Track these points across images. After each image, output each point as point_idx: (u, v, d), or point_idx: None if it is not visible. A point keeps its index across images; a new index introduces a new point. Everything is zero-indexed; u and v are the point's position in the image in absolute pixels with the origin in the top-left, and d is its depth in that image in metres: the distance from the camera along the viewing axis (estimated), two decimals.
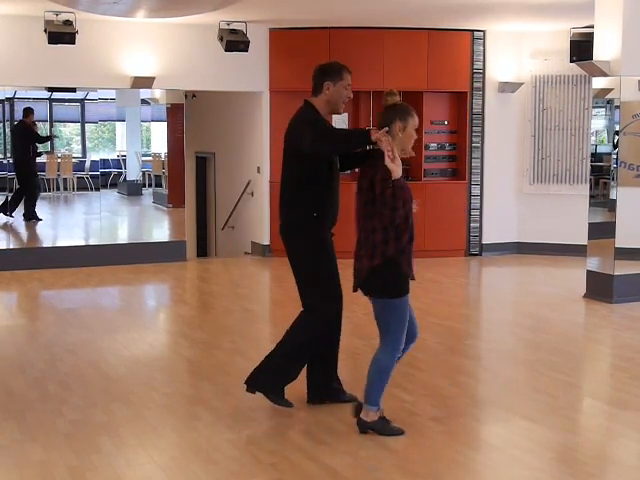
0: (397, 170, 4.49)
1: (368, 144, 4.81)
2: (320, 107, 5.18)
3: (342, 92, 5.15)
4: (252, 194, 12.24)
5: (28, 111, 12.23)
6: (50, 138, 13.38)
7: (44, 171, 12.99)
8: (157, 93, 12.07)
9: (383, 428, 4.88)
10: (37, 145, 12.63)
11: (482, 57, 11.78)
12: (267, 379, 5.24)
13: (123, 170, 13.00)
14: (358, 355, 6.67)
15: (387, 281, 4.75)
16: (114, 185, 12.90)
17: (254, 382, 5.26)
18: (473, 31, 11.66)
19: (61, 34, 9.69)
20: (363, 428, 4.89)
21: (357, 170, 5.02)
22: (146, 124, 13.09)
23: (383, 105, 4.83)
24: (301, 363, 5.31)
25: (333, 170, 5.16)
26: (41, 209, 12.64)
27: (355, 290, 4.87)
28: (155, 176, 12.94)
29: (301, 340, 5.23)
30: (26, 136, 12.31)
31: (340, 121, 11.96)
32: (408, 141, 4.77)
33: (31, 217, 12.36)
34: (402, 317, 4.78)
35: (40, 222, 12.56)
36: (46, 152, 13.15)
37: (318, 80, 5.18)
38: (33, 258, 10.83)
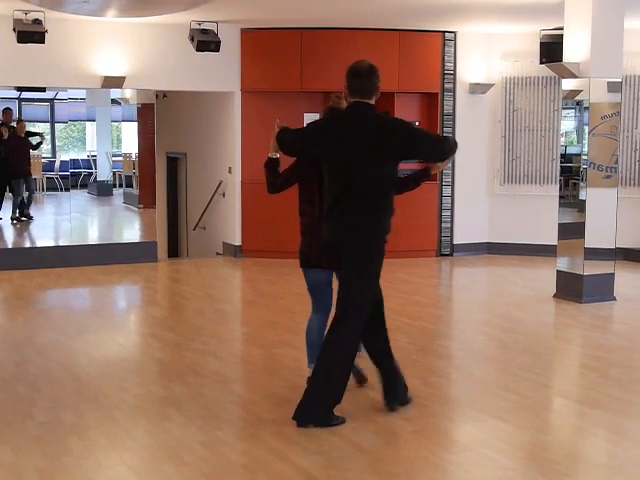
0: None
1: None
2: None
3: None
4: (224, 195, 12.21)
5: None
6: None
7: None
8: (128, 93, 12.01)
9: None
10: None
11: (453, 58, 11.82)
12: (316, 409, 5.01)
13: (93, 170, 12.91)
14: None
15: None
16: (84, 185, 12.81)
17: (304, 417, 5.02)
18: (444, 32, 11.70)
19: (30, 33, 9.61)
20: None
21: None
22: (116, 124, 13.01)
23: (329, 105, 5.35)
24: (344, 381, 5.05)
25: None
26: (9, 209, 12.49)
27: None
28: (126, 176, 12.88)
29: (340, 358, 4.98)
30: None
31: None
32: None
33: None
34: None
35: None
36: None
37: (373, 82, 5.00)
38: (2, 259, 10.73)
